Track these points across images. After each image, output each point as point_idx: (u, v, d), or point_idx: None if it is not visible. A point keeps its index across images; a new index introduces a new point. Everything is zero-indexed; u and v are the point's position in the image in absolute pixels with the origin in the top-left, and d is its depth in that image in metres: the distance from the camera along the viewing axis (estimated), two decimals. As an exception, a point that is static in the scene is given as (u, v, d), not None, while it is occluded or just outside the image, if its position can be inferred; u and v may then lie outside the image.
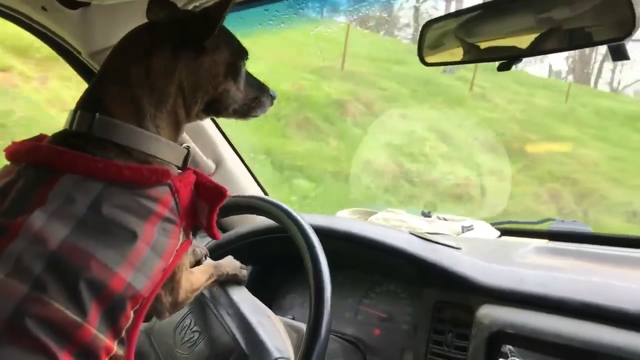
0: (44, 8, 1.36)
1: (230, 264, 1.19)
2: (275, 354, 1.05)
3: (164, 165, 0.89)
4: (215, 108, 0.98)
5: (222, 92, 0.97)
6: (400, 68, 11.72)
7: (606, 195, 8.71)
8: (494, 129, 9.59)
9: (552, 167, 9.45)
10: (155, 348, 1.20)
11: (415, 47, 1.12)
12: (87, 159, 0.82)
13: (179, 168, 0.93)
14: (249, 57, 1.01)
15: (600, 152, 10.28)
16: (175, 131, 0.94)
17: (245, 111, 1.03)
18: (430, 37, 1.10)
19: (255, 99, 1.03)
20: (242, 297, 1.18)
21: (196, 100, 0.94)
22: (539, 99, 12.96)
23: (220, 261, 1.18)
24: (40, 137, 0.89)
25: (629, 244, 1.43)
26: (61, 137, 0.87)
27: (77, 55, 1.53)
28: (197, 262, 1.18)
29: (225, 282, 1.17)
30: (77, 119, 0.86)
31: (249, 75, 1.02)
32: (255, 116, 1.06)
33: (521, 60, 0.96)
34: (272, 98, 1.06)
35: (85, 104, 0.88)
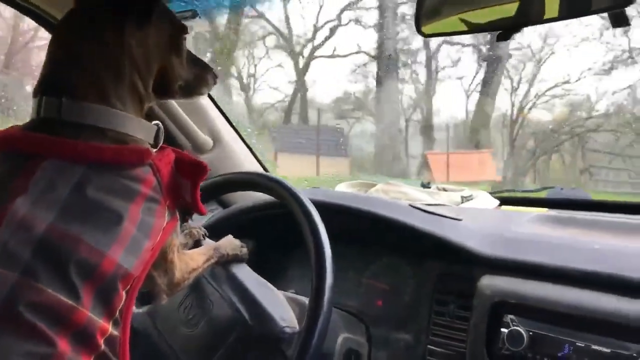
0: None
1: (230, 243, 1.19)
2: (281, 324, 1.07)
3: (140, 144, 0.88)
4: (163, 86, 0.96)
5: (167, 67, 0.95)
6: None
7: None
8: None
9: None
10: (158, 328, 1.20)
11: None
12: (66, 143, 0.81)
13: (152, 146, 0.92)
14: (188, 33, 1.00)
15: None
16: (140, 108, 0.92)
17: (190, 89, 1.02)
18: (427, 6, 1.08)
19: (199, 76, 1.02)
20: (243, 273, 1.18)
21: (150, 74, 0.92)
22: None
23: (220, 242, 1.18)
24: (12, 128, 0.87)
25: (629, 210, 1.43)
26: (33, 125, 0.86)
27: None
28: (196, 243, 1.18)
29: (226, 262, 1.17)
30: (43, 105, 0.84)
31: (190, 53, 1.01)
32: (201, 94, 1.06)
33: (520, 30, 0.94)
34: (215, 77, 1.05)
35: (47, 89, 0.86)
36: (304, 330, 0.97)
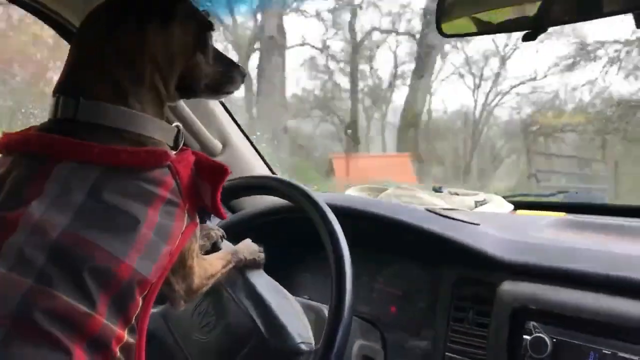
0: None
1: (248, 248, 1.17)
2: (297, 339, 1.04)
3: (159, 146, 0.87)
4: (188, 85, 0.94)
5: (192, 65, 0.93)
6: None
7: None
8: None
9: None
10: (172, 331, 1.18)
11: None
12: (81, 145, 0.79)
13: (171, 148, 0.90)
14: (214, 29, 0.98)
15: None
16: (160, 109, 0.90)
17: (217, 87, 1.00)
18: (447, 7, 1.07)
19: (226, 74, 1.00)
20: (260, 279, 1.16)
21: (172, 74, 0.91)
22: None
23: (237, 246, 1.16)
24: (30, 129, 0.86)
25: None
26: (49, 125, 0.84)
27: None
28: (213, 245, 1.16)
29: (243, 267, 1.15)
30: (60, 105, 0.83)
31: (216, 50, 0.99)
32: (228, 93, 1.03)
33: (546, 30, 0.92)
34: (243, 75, 1.03)
35: (65, 89, 0.85)
36: (324, 340, 0.95)
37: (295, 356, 1.03)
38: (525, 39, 0.92)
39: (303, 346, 1.04)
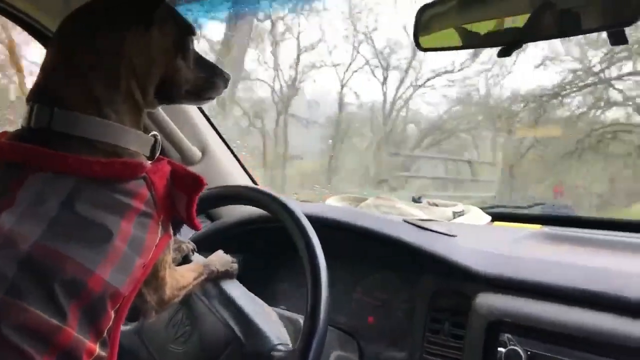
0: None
1: (220, 259, 1.16)
2: (275, 342, 1.04)
3: (135, 157, 0.85)
4: (167, 90, 0.92)
5: (173, 71, 0.91)
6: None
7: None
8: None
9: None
10: (147, 346, 1.17)
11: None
12: (56, 156, 0.78)
13: (148, 158, 0.89)
14: (195, 34, 0.96)
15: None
16: (137, 118, 0.88)
17: (198, 93, 0.98)
18: (425, 21, 1.07)
19: (208, 79, 0.98)
20: (234, 289, 1.16)
21: (151, 80, 0.89)
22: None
23: (210, 258, 1.15)
24: (2, 135, 0.84)
25: (622, 228, 1.43)
26: (23, 134, 0.82)
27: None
28: (184, 258, 1.15)
29: (216, 278, 1.14)
30: (34, 114, 0.81)
31: (198, 55, 0.97)
32: (210, 98, 1.01)
33: (521, 46, 0.93)
34: (226, 80, 1.01)
35: (40, 97, 0.83)
36: (299, 350, 0.94)
37: (274, 357, 1.03)
38: (501, 54, 0.93)
39: (281, 347, 1.04)
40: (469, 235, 1.34)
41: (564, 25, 0.93)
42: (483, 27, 1.03)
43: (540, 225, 1.48)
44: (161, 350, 1.14)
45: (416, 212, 1.62)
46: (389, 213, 1.62)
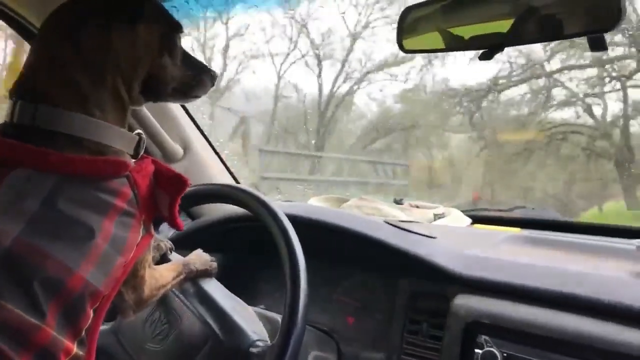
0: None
1: (199, 258, 1.15)
2: (253, 337, 1.04)
3: (119, 155, 0.84)
4: (154, 88, 0.92)
5: (159, 68, 0.90)
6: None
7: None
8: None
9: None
10: (124, 346, 1.16)
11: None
12: (38, 152, 0.77)
13: (132, 156, 0.88)
14: (183, 31, 0.95)
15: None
16: (122, 115, 0.88)
17: (185, 90, 0.97)
18: (409, 23, 1.08)
19: (195, 77, 0.97)
20: (212, 285, 1.16)
21: (137, 77, 0.88)
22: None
23: (188, 257, 1.14)
24: None
25: (600, 232, 1.45)
26: (5, 129, 0.81)
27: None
28: (162, 257, 1.14)
29: (195, 277, 1.13)
30: (17, 110, 0.80)
31: (185, 52, 0.96)
32: (196, 97, 1.00)
33: (503, 49, 0.94)
34: (213, 77, 1.00)
35: (23, 93, 0.82)
36: (277, 346, 0.94)
37: (251, 354, 1.03)
38: (483, 57, 0.94)
39: (259, 342, 1.04)
40: (449, 237, 1.35)
41: (546, 30, 0.94)
42: (467, 31, 1.04)
43: (520, 229, 1.50)
44: (139, 350, 1.13)
45: (398, 214, 1.62)
46: (371, 214, 1.62)
